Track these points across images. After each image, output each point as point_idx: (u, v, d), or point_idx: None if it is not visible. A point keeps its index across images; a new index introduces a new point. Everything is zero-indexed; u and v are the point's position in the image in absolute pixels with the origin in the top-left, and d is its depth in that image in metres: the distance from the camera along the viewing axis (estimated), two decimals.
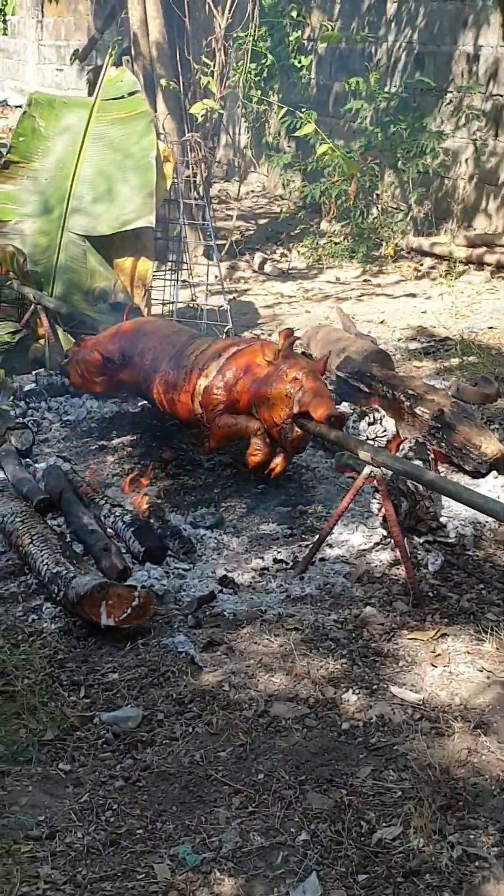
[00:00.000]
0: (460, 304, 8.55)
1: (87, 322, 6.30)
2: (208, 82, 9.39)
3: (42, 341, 6.79)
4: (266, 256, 10.38)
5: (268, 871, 2.88)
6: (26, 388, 6.28)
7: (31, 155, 7.00)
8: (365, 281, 9.65)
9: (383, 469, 4.22)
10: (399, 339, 7.69)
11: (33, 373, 6.58)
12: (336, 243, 10.64)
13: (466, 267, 9.50)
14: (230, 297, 8.47)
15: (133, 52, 9.76)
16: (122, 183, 6.84)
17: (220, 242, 10.19)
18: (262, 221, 12.11)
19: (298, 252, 10.56)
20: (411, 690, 3.62)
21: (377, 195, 11.04)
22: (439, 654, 3.81)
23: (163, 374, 5.12)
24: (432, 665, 3.76)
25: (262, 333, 7.81)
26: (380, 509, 4.56)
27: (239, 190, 11.54)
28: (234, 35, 10.20)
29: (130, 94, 7.27)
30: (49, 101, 7.20)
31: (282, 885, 2.83)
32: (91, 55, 12.78)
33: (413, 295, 9.02)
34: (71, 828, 3.05)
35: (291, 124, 10.86)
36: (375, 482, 4.28)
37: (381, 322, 8.18)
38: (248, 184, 13.83)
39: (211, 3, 9.61)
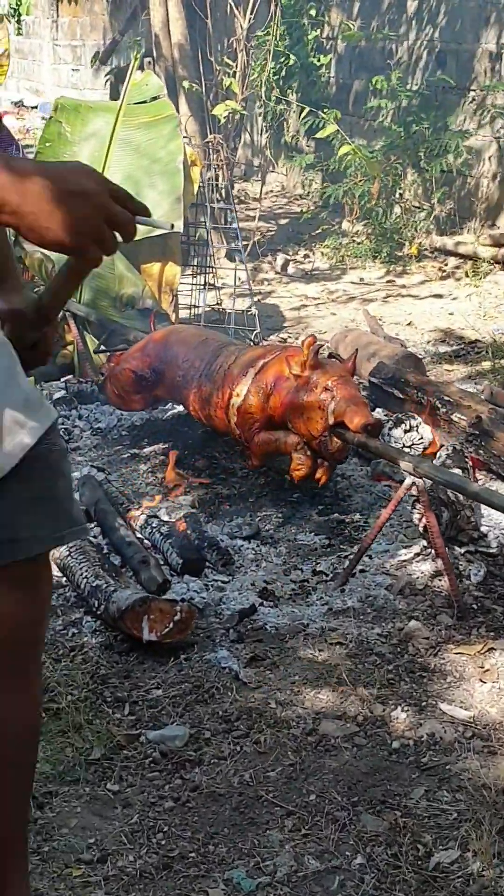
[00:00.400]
0: (488, 305, 8.49)
1: (117, 330, 6.24)
2: (231, 83, 9.35)
3: (69, 348, 6.75)
4: (288, 257, 10.34)
5: None
6: (56, 395, 6.24)
7: (57, 160, 6.96)
8: (389, 282, 9.59)
9: (425, 479, 4.17)
10: (428, 342, 7.64)
11: (62, 380, 6.54)
12: (358, 243, 10.59)
13: (492, 267, 9.44)
14: (255, 299, 8.42)
15: (155, 53, 9.72)
16: (149, 188, 6.79)
17: (242, 244, 10.16)
18: (282, 222, 12.07)
19: (321, 253, 10.51)
20: (461, 707, 3.57)
21: (400, 194, 10.99)
22: (488, 670, 3.76)
23: (195, 391, 5.07)
24: (481, 681, 3.71)
25: (290, 337, 7.76)
26: (420, 519, 4.50)
27: (261, 190, 11.46)
28: (255, 35, 10.16)
29: (155, 97, 7.23)
30: (75, 107, 7.16)
31: None
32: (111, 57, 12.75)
33: (439, 296, 8.96)
34: (122, 851, 3.01)
35: (313, 124, 10.82)
36: (416, 492, 4.23)
37: (409, 324, 8.13)
38: (267, 184, 13.78)
39: (232, 4, 9.57)
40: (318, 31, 13.39)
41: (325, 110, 10.00)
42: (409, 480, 4.21)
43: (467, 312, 8.27)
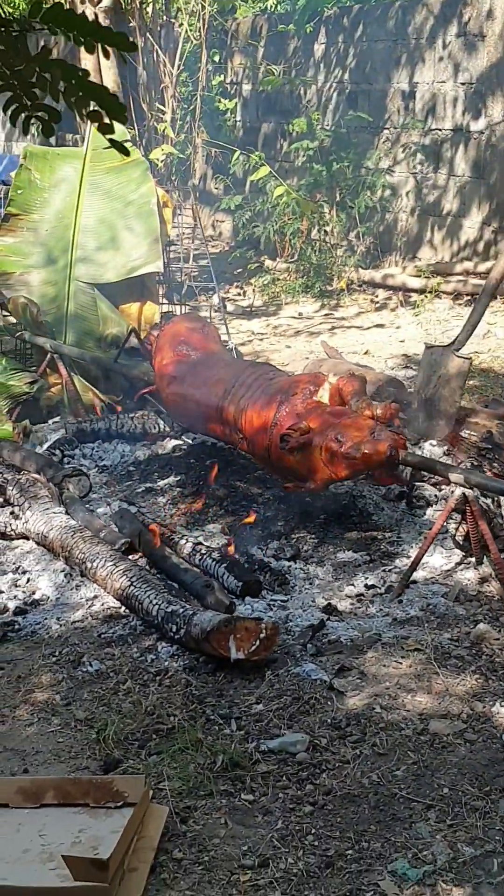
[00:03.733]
0: (434, 330, 8.80)
1: (115, 369, 6.34)
2: (165, 128, 9.56)
3: (54, 390, 6.81)
4: (223, 296, 10.53)
5: (489, 878, 2.98)
6: (52, 437, 6.29)
7: (29, 207, 7.05)
8: (326, 315, 9.87)
9: (476, 490, 4.38)
10: (392, 368, 7.89)
11: (50, 421, 6.60)
12: (286, 280, 10.86)
13: (423, 296, 9.78)
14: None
15: None
16: (126, 230, 6.94)
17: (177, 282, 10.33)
18: (202, 262, 12.26)
19: (254, 290, 10.74)
20: None
21: (325, 231, 11.31)
22: None
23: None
24: None
25: None
26: (457, 529, 4.71)
27: (202, 229, 11.64)
28: (181, 83, 10.41)
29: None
30: (43, 153, 7.26)
31: None
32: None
33: (382, 325, 9.26)
34: (279, 854, 3.11)
35: (237, 167, 11.10)
36: (466, 503, 4.44)
37: (366, 353, 8.38)
38: (176, 225, 13.97)
39: (159, 51, 9.80)
40: (222, 76, 13.73)
41: (255, 154, 10.27)
42: (458, 491, 4.41)
43: (416, 339, 8.57)
